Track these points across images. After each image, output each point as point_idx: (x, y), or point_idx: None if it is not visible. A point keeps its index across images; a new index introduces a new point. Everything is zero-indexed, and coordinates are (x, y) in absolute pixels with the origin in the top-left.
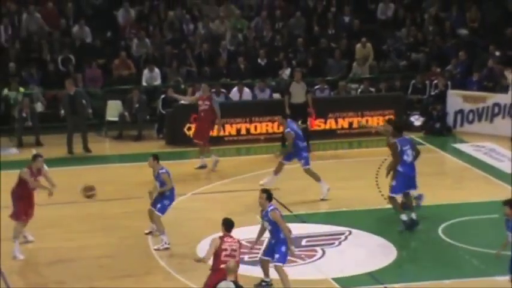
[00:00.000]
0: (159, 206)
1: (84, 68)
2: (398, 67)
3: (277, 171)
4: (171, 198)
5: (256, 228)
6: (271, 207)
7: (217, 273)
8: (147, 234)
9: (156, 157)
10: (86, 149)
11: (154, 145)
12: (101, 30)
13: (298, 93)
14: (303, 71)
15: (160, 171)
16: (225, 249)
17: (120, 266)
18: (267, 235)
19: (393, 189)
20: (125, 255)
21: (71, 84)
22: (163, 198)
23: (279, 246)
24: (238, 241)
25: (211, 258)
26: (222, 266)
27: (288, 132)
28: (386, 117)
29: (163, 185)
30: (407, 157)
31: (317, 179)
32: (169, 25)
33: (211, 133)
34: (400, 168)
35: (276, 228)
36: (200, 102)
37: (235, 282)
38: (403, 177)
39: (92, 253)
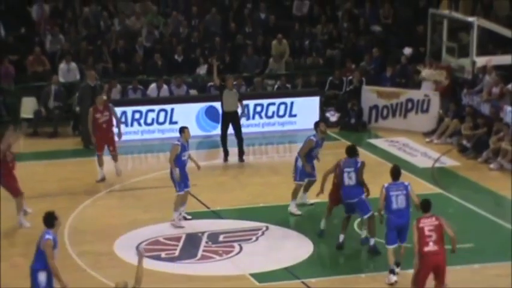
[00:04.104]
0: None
1: None
2: (315, 63)
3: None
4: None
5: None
6: None
7: None
8: None
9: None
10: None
11: (70, 142)
12: (15, 26)
13: (231, 100)
14: (236, 77)
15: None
16: None
17: None
18: None
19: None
20: None
21: (93, 76)
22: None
23: None
24: None
25: None
26: None
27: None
28: None
29: None
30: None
31: None
32: (84, 21)
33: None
34: None
35: None
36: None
37: None
38: None
39: (5, 253)
